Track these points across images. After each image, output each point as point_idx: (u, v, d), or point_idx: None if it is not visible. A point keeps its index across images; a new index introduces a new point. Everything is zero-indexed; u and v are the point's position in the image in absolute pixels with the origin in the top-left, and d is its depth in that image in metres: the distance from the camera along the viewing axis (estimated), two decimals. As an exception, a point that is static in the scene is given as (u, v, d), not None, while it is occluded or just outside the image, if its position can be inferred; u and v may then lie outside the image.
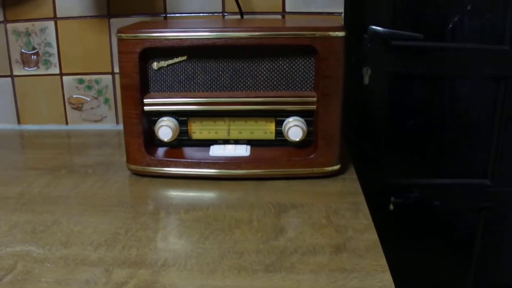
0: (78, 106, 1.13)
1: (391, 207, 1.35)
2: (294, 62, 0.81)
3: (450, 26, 1.23)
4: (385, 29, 1.16)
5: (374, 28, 1.17)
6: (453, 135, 1.31)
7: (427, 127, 1.31)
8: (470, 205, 1.38)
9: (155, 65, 0.82)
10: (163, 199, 0.78)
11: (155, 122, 0.84)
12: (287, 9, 1.05)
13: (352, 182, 0.84)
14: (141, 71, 0.81)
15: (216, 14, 1.07)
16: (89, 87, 1.12)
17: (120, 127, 1.11)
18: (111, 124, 1.14)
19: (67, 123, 1.14)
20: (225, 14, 1.07)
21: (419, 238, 1.37)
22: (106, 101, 1.13)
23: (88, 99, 1.13)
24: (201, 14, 1.06)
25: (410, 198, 1.35)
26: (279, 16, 1.06)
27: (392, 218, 1.34)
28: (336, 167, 0.85)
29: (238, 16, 1.05)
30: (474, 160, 1.34)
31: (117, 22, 1.07)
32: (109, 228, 0.68)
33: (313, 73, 0.81)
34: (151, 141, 0.85)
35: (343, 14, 1.06)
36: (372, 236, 0.66)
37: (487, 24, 1.23)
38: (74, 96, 1.12)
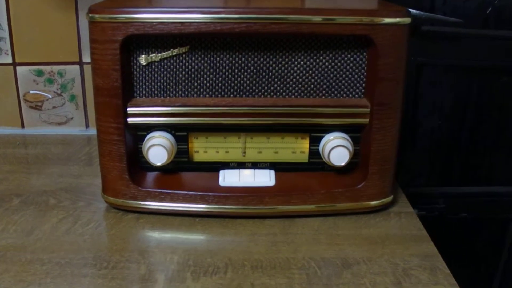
0: (37, 105, 0.90)
1: (414, 221, 1.15)
2: (339, 59, 0.58)
3: (490, 9, 1.03)
4: (421, 12, 0.94)
5: (408, 10, 0.95)
6: (483, 137, 1.13)
7: (453, 128, 1.12)
8: (498, 216, 1.21)
9: (143, 59, 0.59)
10: (158, 253, 0.55)
11: (143, 138, 0.61)
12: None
13: (410, 218, 0.63)
14: (123, 67, 0.57)
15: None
16: (51, 81, 0.89)
17: (91, 132, 0.88)
18: (79, 127, 0.91)
19: (23, 126, 0.92)
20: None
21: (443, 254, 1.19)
22: (73, 98, 0.89)
23: (50, 96, 0.90)
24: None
25: (435, 210, 1.17)
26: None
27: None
28: (389, 199, 0.63)
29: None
30: (506, 165, 1.16)
31: (87, -2, 0.83)
32: (83, 310, 0.46)
33: (365, 74, 0.59)
34: (138, 165, 0.62)
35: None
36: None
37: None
38: (32, 92, 0.90)
